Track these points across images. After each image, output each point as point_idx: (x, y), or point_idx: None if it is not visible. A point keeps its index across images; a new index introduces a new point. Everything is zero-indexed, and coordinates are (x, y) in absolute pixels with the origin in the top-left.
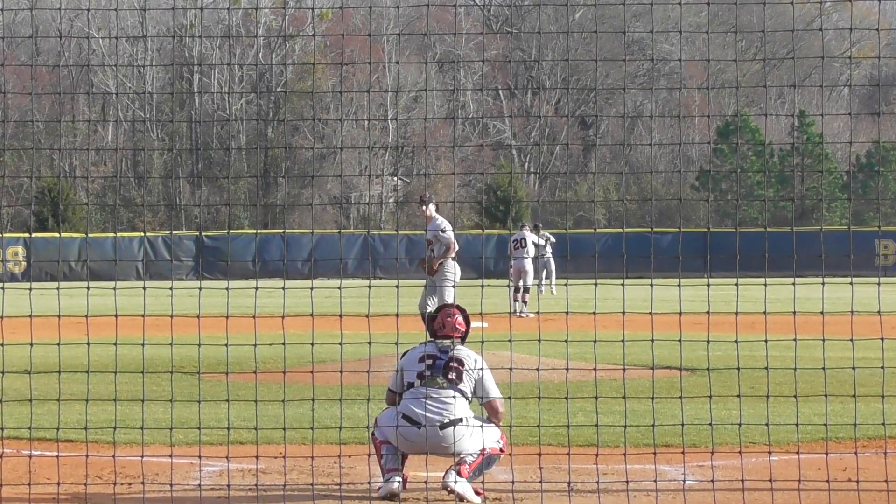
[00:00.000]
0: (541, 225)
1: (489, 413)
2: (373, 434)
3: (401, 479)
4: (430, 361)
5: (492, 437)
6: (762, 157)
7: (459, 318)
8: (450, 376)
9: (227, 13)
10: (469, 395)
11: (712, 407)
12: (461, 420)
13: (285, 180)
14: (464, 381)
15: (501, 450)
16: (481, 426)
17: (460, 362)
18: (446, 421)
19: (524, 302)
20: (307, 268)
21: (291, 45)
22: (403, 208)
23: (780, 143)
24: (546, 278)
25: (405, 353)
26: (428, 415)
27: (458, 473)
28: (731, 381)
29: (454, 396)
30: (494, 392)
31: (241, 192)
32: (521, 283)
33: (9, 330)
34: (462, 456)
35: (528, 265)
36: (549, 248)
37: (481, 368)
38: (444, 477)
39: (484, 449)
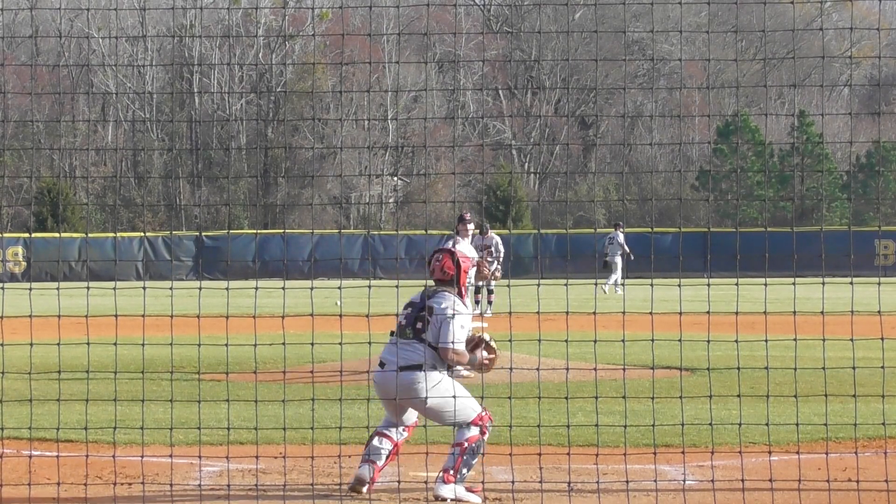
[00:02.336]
0: (622, 224)
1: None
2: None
3: (370, 468)
4: (408, 310)
5: (464, 415)
6: (762, 157)
7: (449, 262)
8: (417, 326)
9: (226, 13)
10: (434, 342)
11: (712, 407)
12: (419, 367)
13: (285, 180)
14: (427, 332)
15: (482, 431)
16: (445, 385)
17: (431, 310)
18: (406, 365)
19: (490, 303)
20: (307, 267)
21: (291, 45)
22: (403, 208)
23: (780, 143)
24: (612, 275)
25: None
26: (392, 357)
27: (444, 482)
28: (731, 381)
29: (416, 345)
30: (445, 338)
31: (241, 192)
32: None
33: (9, 330)
34: (444, 463)
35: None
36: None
37: (446, 316)
38: (435, 488)
39: (461, 444)
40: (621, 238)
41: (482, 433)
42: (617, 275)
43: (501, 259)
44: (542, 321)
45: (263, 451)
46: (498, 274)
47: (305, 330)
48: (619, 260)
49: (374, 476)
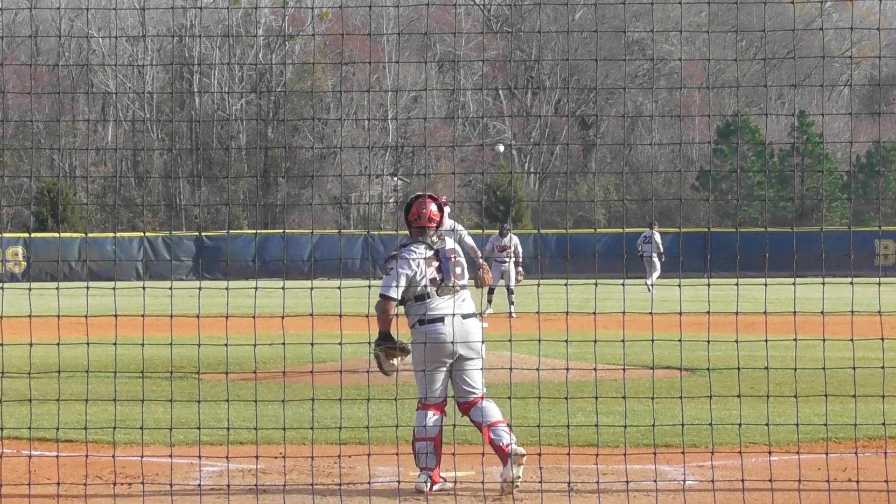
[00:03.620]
0: (657, 223)
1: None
2: (413, 431)
3: (430, 480)
4: (436, 264)
5: (485, 379)
6: (762, 157)
7: (433, 208)
8: (457, 272)
9: (227, 13)
10: (468, 279)
11: (712, 407)
12: (476, 315)
13: (285, 180)
14: (465, 271)
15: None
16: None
17: (455, 252)
18: (466, 312)
19: (511, 303)
20: (307, 267)
21: (291, 45)
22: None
23: (780, 143)
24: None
25: (399, 257)
26: (451, 312)
27: (517, 444)
28: (731, 381)
29: (466, 295)
30: (471, 241)
31: (240, 192)
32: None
33: (9, 330)
34: (507, 443)
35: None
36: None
37: (460, 233)
38: (513, 449)
39: (504, 420)
40: (658, 237)
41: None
42: (654, 274)
43: (521, 260)
44: (542, 321)
45: (263, 451)
46: (521, 277)
47: (305, 330)
48: (656, 259)
49: (430, 487)
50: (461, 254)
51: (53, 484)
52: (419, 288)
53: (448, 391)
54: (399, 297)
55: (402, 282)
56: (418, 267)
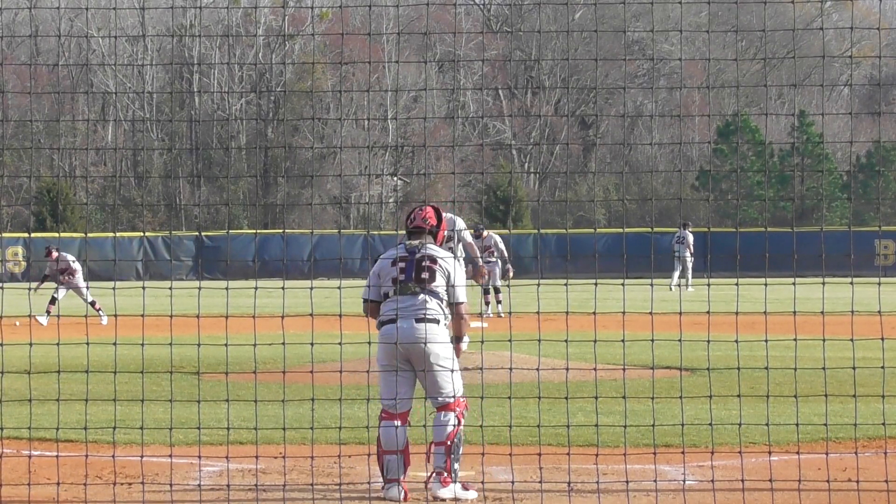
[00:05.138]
0: (690, 223)
1: (455, 314)
2: (378, 439)
3: (402, 490)
4: (402, 265)
5: (458, 387)
6: (762, 157)
7: (431, 212)
8: (422, 276)
9: (226, 13)
10: (443, 293)
11: (712, 407)
12: (436, 321)
13: (285, 180)
14: (437, 279)
15: (459, 422)
16: (452, 371)
17: (432, 259)
18: (421, 317)
19: (499, 302)
20: (307, 267)
21: (291, 45)
22: (403, 208)
23: (780, 143)
24: (681, 276)
25: (377, 259)
26: (406, 313)
27: (442, 484)
28: (731, 381)
29: (427, 299)
30: (462, 296)
31: (240, 191)
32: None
33: (9, 330)
34: (434, 467)
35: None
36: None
37: (453, 268)
38: (432, 489)
39: (443, 442)
40: (690, 238)
41: (458, 423)
42: (688, 273)
43: (506, 256)
44: (542, 321)
45: (263, 451)
46: (510, 274)
47: (305, 330)
48: (688, 258)
49: (405, 497)
50: (441, 263)
51: (53, 484)
52: (383, 288)
53: (418, 393)
54: (371, 298)
55: (372, 281)
56: (385, 267)
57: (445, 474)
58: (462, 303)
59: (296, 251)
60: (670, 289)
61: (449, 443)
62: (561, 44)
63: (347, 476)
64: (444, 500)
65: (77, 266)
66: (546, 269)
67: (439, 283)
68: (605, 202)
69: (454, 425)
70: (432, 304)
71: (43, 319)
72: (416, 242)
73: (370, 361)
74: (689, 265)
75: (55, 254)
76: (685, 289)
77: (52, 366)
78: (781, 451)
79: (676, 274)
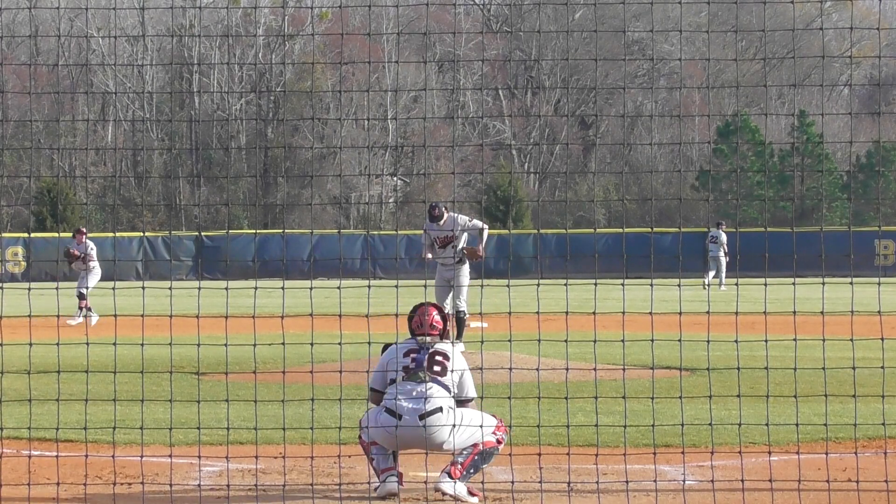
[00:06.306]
0: (723, 223)
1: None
2: (360, 437)
3: (397, 477)
4: (413, 356)
5: (487, 428)
6: (762, 157)
7: (437, 316)
8: (434, 368)
9: (226, 13)
10: (452, 387)
11: (712, 407)
12: (440, 409)
13: (285, 180)
14: (447, 375)
15: (499, 440)
16: (469, 415)
17: (444, 355)
18: (426, 410)
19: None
20: (307, 267)
21: (291, 45)
22: (403, 208)
23: (780, 143)
24: (715, 276)
25: (385, 349)
26: (409, 406)
27: (450, 475)
28: (731, 381)
29: (434, 388)
30: (472, 392)
31: (240, 191)
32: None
33: (8, 330)
34: (454, 457)
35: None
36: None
37: (463, 370)
38: (438, 479)
39: (476, 445)
40: (724, 238)
41: (499, 442)
42: (722, 273)
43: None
44: (541, 321)
45: (263, 451)
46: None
47: (305, 330)
48: (722, 258)
49: (400, 481)
50: (451, 359)
51: (53, 484)
52: (391, 374)
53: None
54: (377, 387)
55: (380, 369)
56: (395, 357)
57: (460, 467)
58: (473, 399)
59: (296, 251)
60: (704, 287)
61: (481, 447)
62: (561, 44)
63: (347, 476)
64: (444, 493)
65: (96, 261)
66: (546, 269)
67: (448, 379)
68: (605, 202)
69: (497, 439)
70: (439, 391)
71: (93, 318)
72: (427, 339)
73: (370, 362)
74: (724, 265)
75: (84, 238)
76: (718, 288)
77: (52, 366)
78: (781, 451)
79: (711, 273)
